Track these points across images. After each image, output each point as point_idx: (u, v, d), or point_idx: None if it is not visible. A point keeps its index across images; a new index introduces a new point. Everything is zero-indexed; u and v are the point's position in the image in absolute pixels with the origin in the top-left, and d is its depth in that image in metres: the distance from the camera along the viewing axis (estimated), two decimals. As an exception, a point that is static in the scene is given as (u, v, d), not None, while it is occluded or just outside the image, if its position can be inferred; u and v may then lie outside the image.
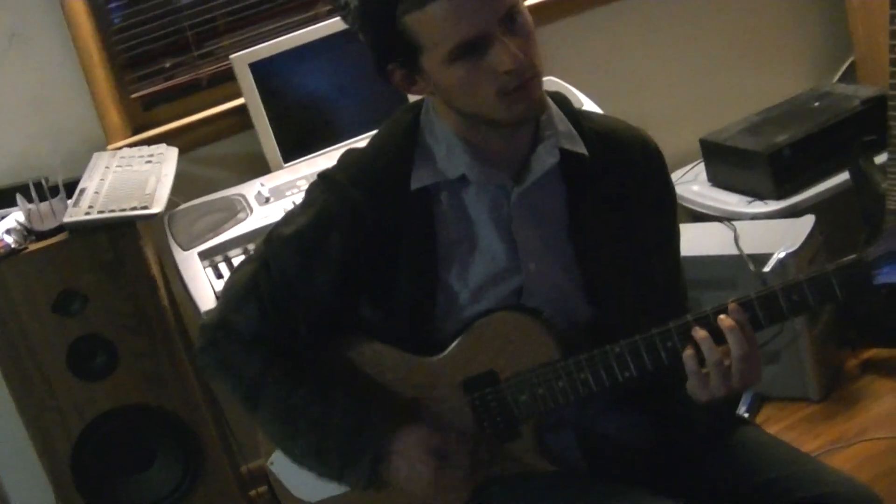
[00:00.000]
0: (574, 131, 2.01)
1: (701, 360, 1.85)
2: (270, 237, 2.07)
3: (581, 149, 1.99)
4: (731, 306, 1.84)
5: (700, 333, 1.84)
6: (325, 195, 2.02)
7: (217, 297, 2.81)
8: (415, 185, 1.97)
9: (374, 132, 2.09)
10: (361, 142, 2.08)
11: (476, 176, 1.95)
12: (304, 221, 2.02)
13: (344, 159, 2.06)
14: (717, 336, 1.84)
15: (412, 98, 2.02)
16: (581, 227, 2.00)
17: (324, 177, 2.05)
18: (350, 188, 1.99)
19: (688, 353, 1.85)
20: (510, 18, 1.83)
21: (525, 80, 1.84)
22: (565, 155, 1.98)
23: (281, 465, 2.14)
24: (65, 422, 3.03)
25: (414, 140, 2.00)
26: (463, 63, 1.83)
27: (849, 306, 3.45)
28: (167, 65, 3.60)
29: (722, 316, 1.84)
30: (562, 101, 2.06)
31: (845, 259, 1.82)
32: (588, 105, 3.30)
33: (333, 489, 2.08)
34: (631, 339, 1.89)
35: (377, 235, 1.97)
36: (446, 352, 1.99)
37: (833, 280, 1.81)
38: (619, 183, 2.02)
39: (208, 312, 2.16)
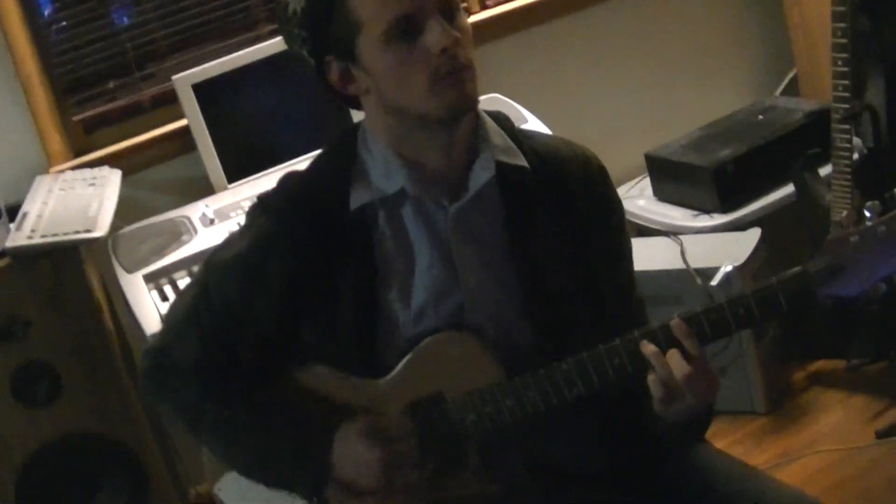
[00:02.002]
0: (513, 145, 2.00)
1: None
2: (210, 263, 2.06)
3: (521, 161, 1.98)
4: (675, 322, 1.83)
5: (649, 349, 1.83)
6: (262, 219, 2.01)
7: (162, 321, 2.78)
8: (354, 204, 1.96)
9: (317, 153, 2.08)
10: (306, 161, 2.06)
11: (413, 189, 1.94)
12: (243, 246, 2.01)
13: (283, 182, 2.05)
14: (666, 350, 1.83)
15: (355, 117, 2.01)
16: (520, 245, 1.99)
17: (262, 200, 2.04)
18: (288, 211, 1.98)
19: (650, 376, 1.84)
20: (449, 12, 1.84)
21: (458, 67, 1.84)
22: (504, 171, 1.96)
23: (228, 492, 2.11)
24: (9, 450, 3.00)
25: (351, 160, 1.99)
26: (397, 46, 1.83)
27: (794, 319, 3.47)
28: (109, 86, 3.58)
29: (644, 343, 1.83)
30: (501, 119, 2.05)
31: (790, 271, 1.82)
32: (533, 121, 3.31)
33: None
34: (578, 357, 1.88)
35: (316, 258, 1.96)
36: (391, 374, 1.97)
37: (778, 292, 1.81)
38: (560, 200, 2.01)
39: (153, 337, 2.14)
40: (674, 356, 1.81)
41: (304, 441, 1.96)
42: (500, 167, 1.96)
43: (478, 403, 1.94)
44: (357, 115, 2.04)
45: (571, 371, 1.88)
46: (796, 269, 1.82)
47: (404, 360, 1.97)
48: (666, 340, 1.83)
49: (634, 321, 1.95)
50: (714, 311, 1.83)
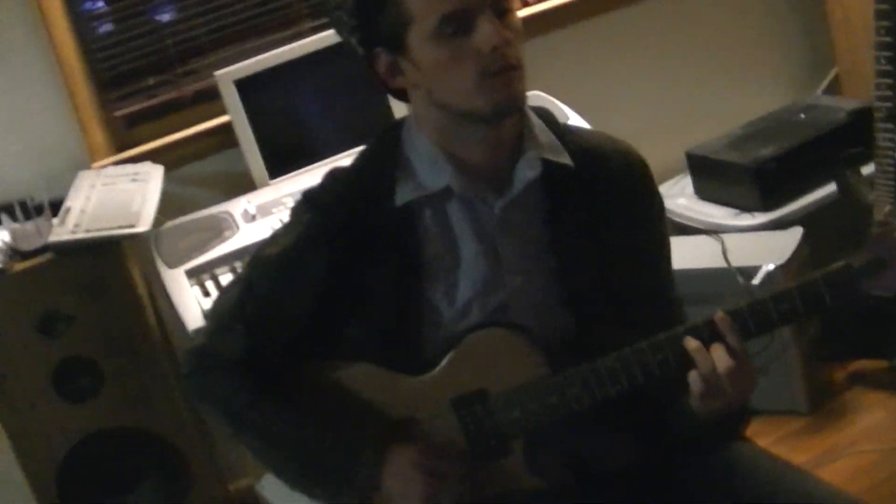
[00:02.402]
0: (558, 143, 2.01)
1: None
2: (255, 260, 2.07)
3: (565, 160, 1.99)
4: (719, 316, 1.83)
5: (692, 344, 1.83)
6: (308, 215, 2.02)
7: (204, 317, 2.79)
8: (399, 201, 1.96)
9: (360, 148, 2.08)
10: (347, 157, 2.07)
11: (459, 187, 1.94)
12: (288, 242, 2.01)
13: (328, 179, 2.05)
14: (709, 345, 1.83)
15: (397, 113, 2.01)
16: (563, 241, 1.99)
17: (307, 197, 2.04)
18: (334, 207, 1.99)
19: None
20: (500, 10, 1.84)
21: (508, 65, 1.84)
22: (549, 168, 1.97)
23: (271, 489, 2.12)
24: (50, 444, 3.02)
25: (396, 157, 2.00)
26: (448, 41, 1.84)
27: (836, 318, 3.45)
28: (151, 82, 3.59)
29: (688, 338, 1.83)
30: (546, 115, 2.06)
31: (833, 266, 1.81)
32: (574, 119, 3.30)
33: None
34: (622, 353, 1.88)
35: (362, 254, 1.96)
36: (435, 370, 1.97)
37: (822, 287, 1.80)
38: (602, 196, 2.01)
39: (196, 333, 2.14)
40: (717, 350, 1.82)
41: (352, 460, 1.95)
42: (545, 164, 1.96)
43: (522, 400, 1.94)
44: (399, 112, 2.04)
45: (615, 366, 1.88)
46: (840, 263, 1.81)
47: (448, 356, 1.97)
48: (709, 335, 1.83)
49: (672, 318, 1.94)
50: (758, 306, 1.83)
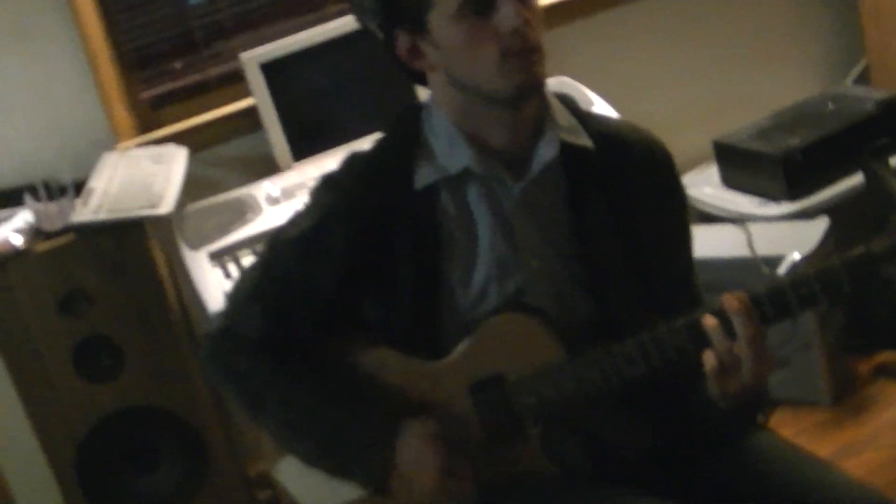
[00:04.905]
0: (578, 125, 2.01)
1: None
2: (274, 241, 2.07)
3: (585, 141, 1.99)
4: (738, 296, 1.80)
5: (709, 321, 1.80)
6: (327, 197, 2.02)
7: (225, 298, 2.79)
8: (419, 184, 1.97)
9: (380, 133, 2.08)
10: (371, 141, 2.06)
11: (478, 168, 1.94)
12: (307, 224, 2.02)
13: (347, 161, 2.06)
14: (728, 328, 1.80)
15: (422, 98, 2.01)
16: (583, 225, 1.99)
17: (327, 179, 2.05)
18: (353, 189, 1.99)
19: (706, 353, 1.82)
20: None
21: (528, 47, 1.85)
22: (569, 151, 1.96)
23: (287, 474, 2.12)
24: (70, 423, 3.03)
25: (415, 139, 2.00)
26: (469, 22, 1.84)
27: (861, 309, 3.44)
28: (176, 65, 3.59)
29: (727, 296, 1.80)
30: (567, 100, 2.06)
31: (853, 251, 1.78)
32: (600, 105, 3.29)
33: (339, 497, 2.05)
34: (639, 337, 1.87)
35: (380, 235, 1.97)
36: (452, 355, 1.97)
37: (842, 272, 1.77)
38: (623, 182, 2.01)
39: (217, 314, 2.15)
40: (733, 328, 1.79)
41: (368, 435, 1.95)
42: (565, 147, 1.96)
43: (539, 385, 1.93)
44: (423, 96, 2.04)
45: (633, 350, 1.87)
46: (859, 248, 1.78)
47: (466, 341, 1.96)
48: (727, 316, 1.80)
49: (692, 306, 1.93)
50: (776, 291, 1.80)
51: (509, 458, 1.99)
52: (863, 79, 4.22)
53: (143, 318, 3.00)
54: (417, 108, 2.04)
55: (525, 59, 1.85)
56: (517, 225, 1.97)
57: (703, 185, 3.86)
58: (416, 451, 1.93)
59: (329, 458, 2.00)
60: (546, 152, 1.95)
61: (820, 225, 3.43)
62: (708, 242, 3.45)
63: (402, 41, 1.93)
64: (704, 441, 2.02)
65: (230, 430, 3.32)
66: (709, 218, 3.76)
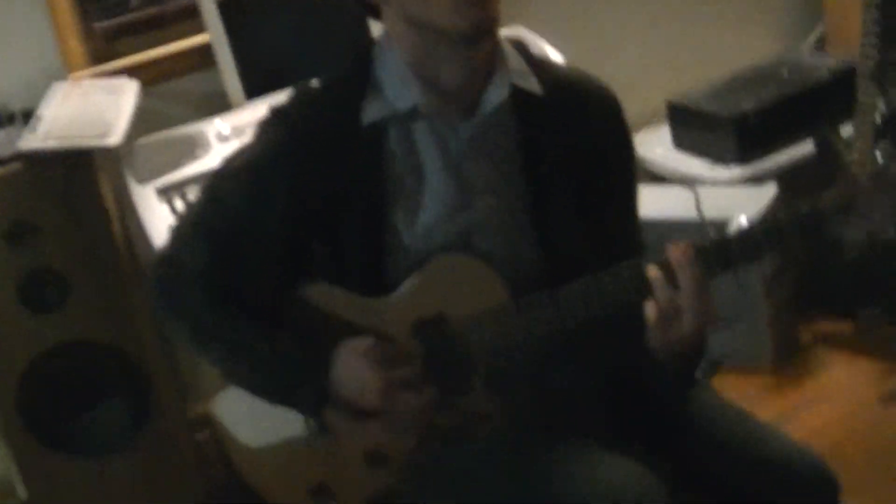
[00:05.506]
0: (529, 71, 2.00)
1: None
2: (219, 172, 2.06)
3: (534, 87, 1.99)
4: (682, 246, 1.82)
5: (652, 272, 1.82)
6: (273, 129, 2.01)
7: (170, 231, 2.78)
8: (366, 119, 1.96)
9: (333, 69, 2.07)
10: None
11: (427, 107, 1.94)
12: (253, 155, 2.01)
13: (295, 95, 2.05)
14: (671, 278, 1.82)
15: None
16: (531, 168, 1.99)
17: (274, 111, 2.04)
18: (299, 123, 1.98)
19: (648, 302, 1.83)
20: None
21: None
22: (519, 95, 1.96)
23: (224, 408, 2.11)
24: (12, 354, 2.99)
25: (367, 76, 1.99)
26: None
27: (807, 274, 3.48)
28: (132, -3, 3.56)
29: (672, 246, 1.82)
30: (520, 46, 2.05)
31: (799, 208, 1.81)
32: (555, 58, 3.28)
33: (278, 434, 2.05)
34: (583, 282, 1.87)
35: (325, 171, 1.96)
36: (396, 293, 1.97)
37: (786, 227, 1.80)
38: (573, 129, 2.01)
39: (162, 247, 2.13)
40: (676, 278, 1.81)
41: (305, 355, 1.95)
42: (516, 92, 1.96)
43: (482, 325, 1.93)
44: (377, 33, 2.03)
45: (576, 296, 1.88)
46: (806, 205, 1.81)
47: (409, 280, 1.96)
48: (670, 266, 1.82)
49: (635, 257, 1.93)
50: (720, 243, 1.83)
51: (454, 403, 1.98)
52: (819, 45, 4.24)
53: (90, 250, 2.97)
54: (371, 45, 2.03)
55: None
56: (465, 166, 1.97)
57: (655, 146, 3.88)
58: (354, 368, 1.92)
59: (266, 382, 1.99)
60: (496, 95, 1.94)
61: (768, 190, 3.46)
62: (656, 203, 3.46)
63: None
64: (645, 391, 2.03)
65: (175, 369, 3.31)
66: (658, 178, 3.77)
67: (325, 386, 1.93)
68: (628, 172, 2.11)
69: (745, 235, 1.82)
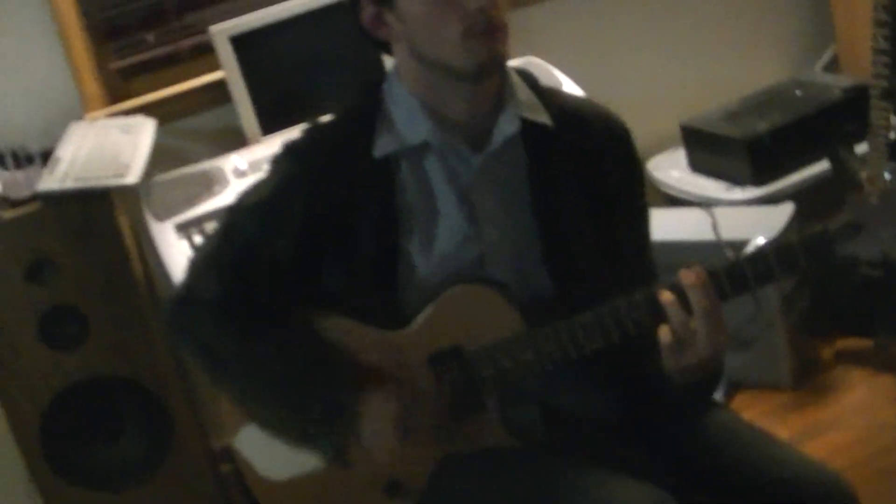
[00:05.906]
0: (538, 102, 2.02)
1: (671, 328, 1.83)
2: (234, 208, 2.08)
3: (544, 119, 2.01)
4: (695, 271, 1.82)
5: (665, 296, 1.82)
6: (288, 165, 2.04)
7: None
8: (378, 153, 1.98)
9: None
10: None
11: (437, 140, 1.96)
12: (266, 191, 2.04)
13: (308, 131, 2.07)
14: (684, 302, 1.82)
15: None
16: (542, 198, 2.00)
17: (287, 147, 2.07)
18: (313, 157, 2.01)
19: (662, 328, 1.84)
20: None
21: (492, 26, 1.86)
22: (528, 126, 1.98)
23: (246, 443, 2.12)
24: (35, 392, 3.01)
25: (376, 109, 2.02)
26: None
27: (823, 293, 3.47)
28: (148, 37, 3.58)
29: (684, 271, 1.83)
30: (527, 76, 2.07)
31: (810, 229, 1.81)
32: (568, 86, 3.29)
33: (298, 467, 2.06)
34: (597, 310, 1.88)
35: (338, 203, 1.98)
36: (411, 326, 1.99)
37: (798, 249, 1.80)
38: (582, 158, 2.03)
39: (177, 283, 2.16)
40: (689, 302, 1.81)
41: (329, 406, 1.95)
42: (525, 123, 1.98)
43: (497, 356, 1.95)
44: (390, 66, 2.05)
45: (590, 323, 1.89)
46: (818, 226, 1.81)
47: (425, 312, 1.98)
48: (684, 290, 1.82)
49: (648, 282, 1.94)
50: (732, 266, 1.83)
51: (468, 431, 2.00)
52: (832, 65, 4.24)
53: (109, 288, 2.99)
54: (381, 79, 2.05)
55: (488, 38, 1.86)
56: (476, 197, 1.99)
57: (671, 169, 3.88)
58: (375, 425, 1.94)
59: (290, 426, 2.01)
60: (506, 127, 1.97)
61: (785, 210, 3.45)
62: (673, 225, 3.47)
63: (368, 9, 1.95)
64: (660, 415, 2.04)
65: (195, 402, 3.31)
66: (675, 201, 3.77)
67: (346, 441, 1.96)
68: (639, 199, 2.12)
69: (757, 258, 1.82)
